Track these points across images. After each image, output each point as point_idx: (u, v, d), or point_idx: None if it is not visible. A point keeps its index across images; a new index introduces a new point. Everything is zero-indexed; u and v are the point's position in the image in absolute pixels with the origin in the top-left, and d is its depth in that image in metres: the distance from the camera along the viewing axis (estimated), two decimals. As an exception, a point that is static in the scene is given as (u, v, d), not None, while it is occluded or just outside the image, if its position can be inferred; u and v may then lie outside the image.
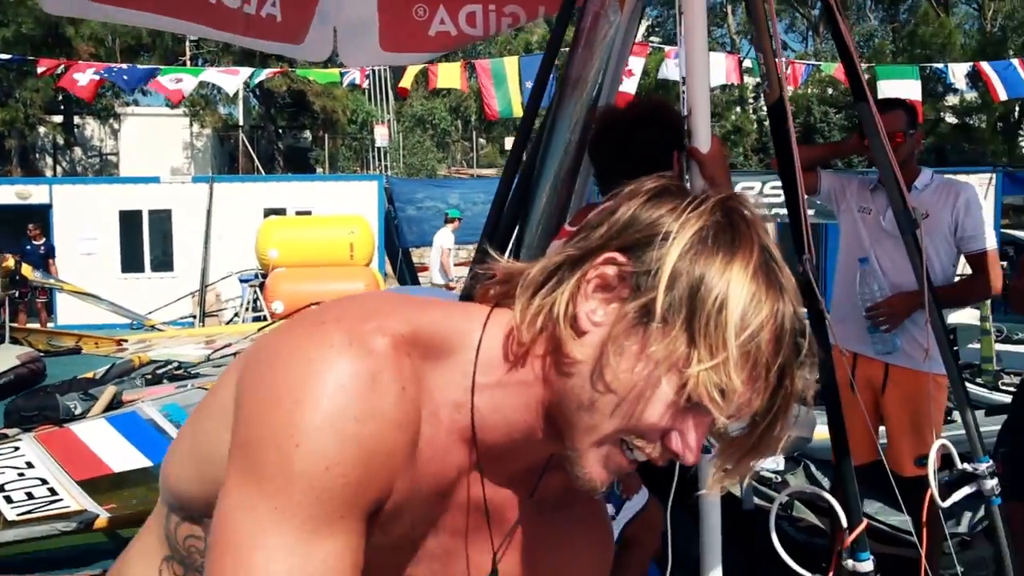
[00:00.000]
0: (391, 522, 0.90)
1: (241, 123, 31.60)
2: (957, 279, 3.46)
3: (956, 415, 2.98)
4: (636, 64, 11.25)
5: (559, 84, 2.31)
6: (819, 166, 3.55)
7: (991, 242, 3.30)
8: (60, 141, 31.39)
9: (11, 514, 3.48)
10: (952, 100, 29.65)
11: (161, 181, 17.17)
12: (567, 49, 2.36)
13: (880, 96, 7.21)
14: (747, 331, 0.83)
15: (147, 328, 11.55)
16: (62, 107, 29.96)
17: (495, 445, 0.94)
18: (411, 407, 0.86)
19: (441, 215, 14.25)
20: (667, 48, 12.82)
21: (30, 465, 4.00)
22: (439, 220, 14.04)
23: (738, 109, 31.78)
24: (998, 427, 3.28)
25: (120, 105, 30.71)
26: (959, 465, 2.25)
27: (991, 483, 2.26)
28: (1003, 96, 12.56)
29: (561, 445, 0.92)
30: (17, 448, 4.07)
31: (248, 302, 13.67)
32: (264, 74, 13.32)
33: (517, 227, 2.26)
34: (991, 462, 2.28)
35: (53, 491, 3.97)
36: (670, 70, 11.67)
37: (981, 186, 14.81)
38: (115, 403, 4.56)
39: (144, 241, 16.47)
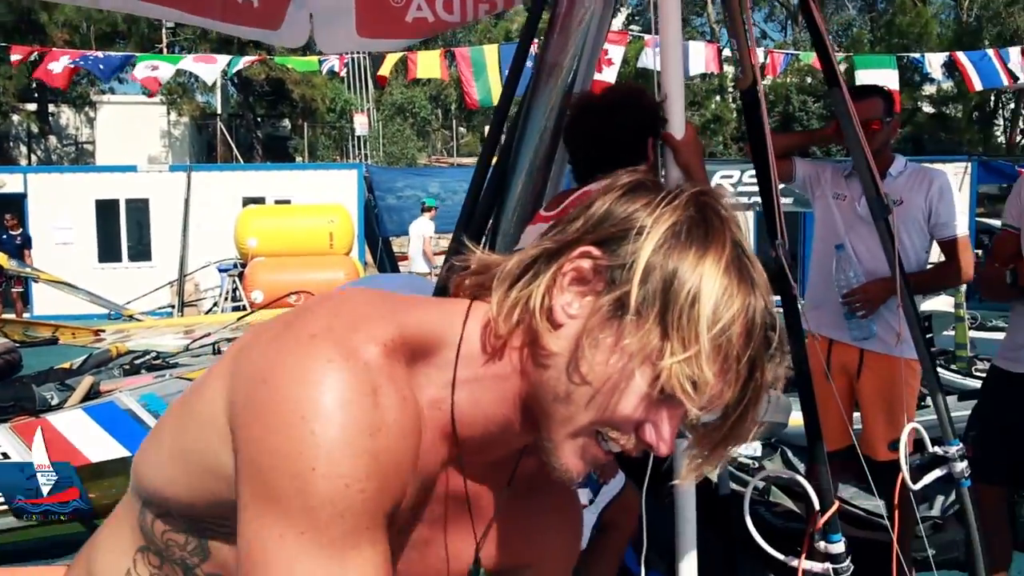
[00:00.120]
0: (394, 522, 0.92)
1: (219, 111, 31.34)
2: (930, 266, 3.50)
3: (930, 400, 3.03)
4: (616, 53, 11.24)
5: (534, 71, 2.31)
6: (795, 154, 3.57)
7: (962, 229, 3.33)
8: (35, 129, 31.00)
9: (-14, 504, 3.46)
10: (929, 90, 29.89)
11: (138, 170, 17.02)
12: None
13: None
14: (719, 324, 0.85)
15: (125, 318, 11.47)
16: (36, 95, 29.57)
17: (473, 438, 0.96)
18: (413, 414, 0.88)
19: (421, 204, 14.22)
20: (647, 37, 12.82)
21: (6, 456, 3.98)
22: (419, 209, 14.01)
23: (718, 98, 31.87)
24: (970, 412, 3.33)
25: (96, 93, 30.36)
26: (930, 448, 2.28)
27: (961, 465, 2.30)
28: (978, 86, 12.66)
29: (538, 435, 0.93)
30: (-8, 438, 4.04)
31: (227, 292, 13.61)
32: (242, 62, 13.18)
33: (493, 215, 2.27)
34: (961, 445, 2.32)
35: (29, 481, 3.95)
36: (650, 59, 11.68)
37: (957, 175, 14.95)
38: (92, 393, 4.53)
39: (121, 230, 16.34)
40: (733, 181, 14.00)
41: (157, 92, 14.26)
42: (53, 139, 32.12)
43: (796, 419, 2.93)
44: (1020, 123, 30.40)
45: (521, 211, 2.23)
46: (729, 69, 22.24)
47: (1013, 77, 11.73)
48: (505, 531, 1.07)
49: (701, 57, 12.36)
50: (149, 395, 4.34)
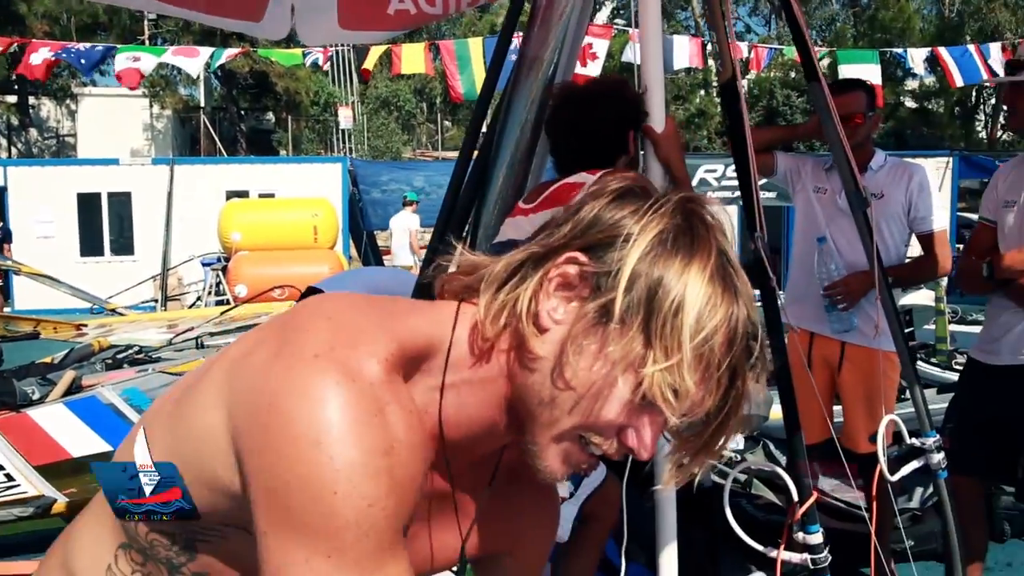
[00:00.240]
0: None
1: (203, 104, 31.12)
2: (908, 260, 3.53)
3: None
4: (600, 47, 11.24)
5: (516, 64, 2.31)
6: (777, 148, 3.59)
7: (940, 223, 3.37)
8: (15, 122, 30.70)
9: (-34, 500, 3.44)
10: (911, 85, 30.07)
11: (120, 163, 16.91)
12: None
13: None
14: (702, 334, 0.86)
15: (108, 312, 11.38)
16: (16, 87, 29.28)
17: (459, 439, 0.97)
18: (419, 426, 0.89)
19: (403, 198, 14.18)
20: (631, 31, 12.82)
21: (-15, 450, 3.95)
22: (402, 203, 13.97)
23: (702, 92, 31.93)
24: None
25: (77, 85, 30.09)
26: (907, 440, 2.30)
27: (938, 457, 2.33)
28: (959, 82, 12.71)
29: (522, 438, 0.95)
30: (-29, 433, 4.00)
31: (211, 286, 13.54)
32: (225, 55, 13.07)
33: (474, 207, 2.27)
34: (938, 437, 2.34)
35: (10, 477, 3.92)
36: (634, 53, 11.66)
37: (938, 170, 15.07)
38: (74, 388, 4.49)
39: (103, 224, 16.21)
40: (717, 175, 14.06)
41: (138, 86, 14.09)
42: (34, 132, 31.83)
43: (778, 412, 2.96)
44: (1001, 118, 30.63)
45: (502, 204, 2.23)
46: (713, 64, 22.25)
47: (993, 73, 11.80)
48: (486, 523, 1.09)
49: (685, 51, 12.36)
50: (131, 389, 4.31)
